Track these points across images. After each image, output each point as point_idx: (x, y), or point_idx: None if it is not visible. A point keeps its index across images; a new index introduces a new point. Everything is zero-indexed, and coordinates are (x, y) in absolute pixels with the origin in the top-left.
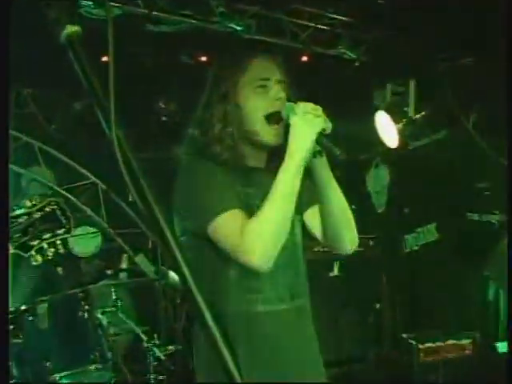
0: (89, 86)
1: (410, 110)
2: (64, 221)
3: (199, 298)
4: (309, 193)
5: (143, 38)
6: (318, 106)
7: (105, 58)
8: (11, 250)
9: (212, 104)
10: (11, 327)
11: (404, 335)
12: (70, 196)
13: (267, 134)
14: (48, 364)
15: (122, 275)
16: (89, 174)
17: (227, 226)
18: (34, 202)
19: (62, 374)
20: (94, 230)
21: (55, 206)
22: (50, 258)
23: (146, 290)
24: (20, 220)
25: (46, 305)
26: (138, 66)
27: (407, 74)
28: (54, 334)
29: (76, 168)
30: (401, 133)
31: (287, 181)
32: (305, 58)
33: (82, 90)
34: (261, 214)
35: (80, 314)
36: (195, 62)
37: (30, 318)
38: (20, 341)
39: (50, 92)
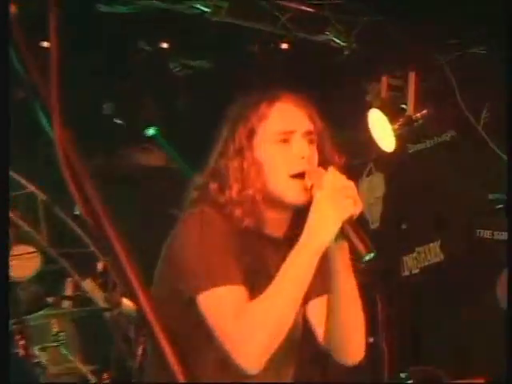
0: (26, 77)
1: (409, 108)
2: None
3: (159, 331)
4: (319, 280)
5: (92, 20)
6: (351, 184)
7: (45, 44)
8: None
9: (227, 157)
10: None
11: (402, 375)
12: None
13: (292, 192)
14: None
15: (66, 304)
16: (25, 183)
17: (223, 302)
18: None
19: None
20: (32, 249)
21: None
22: None
23: (94, 320)
24: None
25: None
26: (85, 54)
27: (406, 65)
28: None
29: (10, 175)
30: (398, 134)
31: (300, 266)
32: (285, 46)
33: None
34: (264, 301)
35: (14, 350)
36: (154, 49)
37: None
38: None
39: None
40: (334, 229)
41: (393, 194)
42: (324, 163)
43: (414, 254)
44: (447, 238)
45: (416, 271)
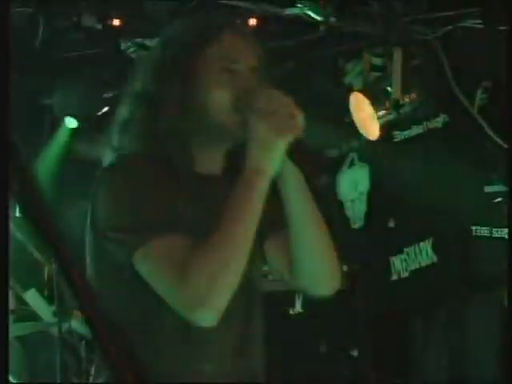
0: None
1: (395, 90)
2: None
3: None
4: (272, 214)
5: None
6: (290, 100)
7: None
8: None
9: (162, 78)
10: None
11: None
12: None
13: (233, 124)
14: None
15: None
16: None
17: (162, 256)
18: None
19: None
20: None
21: None
22: None
23: (39, 338)
24: None
25: None
26: (22, 31)
27: (390, 41)
28: None
29: None
30: (383, 120)
31: (245, 202)
32: (253, 22)
33: None
34: (210, 243)
35: None
36: (104, 27)
37: None
38: None
39: None
40: (276, 154)
41: (378, 187)
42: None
43: (403, 256)
44: (440, 236)
45: (405, 275)
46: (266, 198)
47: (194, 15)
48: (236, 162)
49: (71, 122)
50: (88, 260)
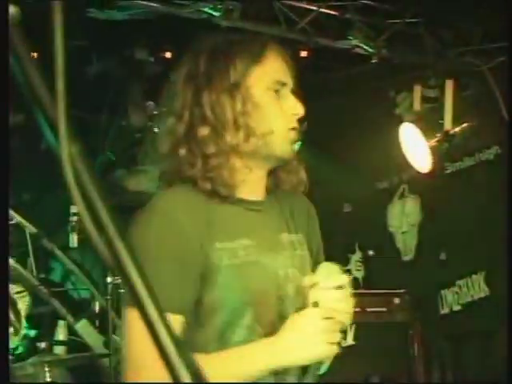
0: (29, 90)
1: (447, 122)
2: None
3: (176, 360)
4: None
5: (86, 27)
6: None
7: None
8: None
9: (215, 92)
10: None
11: None
12: None
13: (287, 145)
14: None
15: (59, 349)
16: (11, 212)
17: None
18: None
19: None
20: (20, 288)
21: None
22: None
23: (91, 368)
24: None
25: None
26: (79, 65)
27: (442, 72)
28: None
29: None
30: (435, 152)
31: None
32: (304, 53)
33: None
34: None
35: None
36: (156, 60)
37: None
38: None
39: None
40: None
41: (429, 219)
42: None
43: (455, 288)
44: (492, 269)
45: (457, 308)
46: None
47: (233, 34)
48: (274, 184)
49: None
50: None
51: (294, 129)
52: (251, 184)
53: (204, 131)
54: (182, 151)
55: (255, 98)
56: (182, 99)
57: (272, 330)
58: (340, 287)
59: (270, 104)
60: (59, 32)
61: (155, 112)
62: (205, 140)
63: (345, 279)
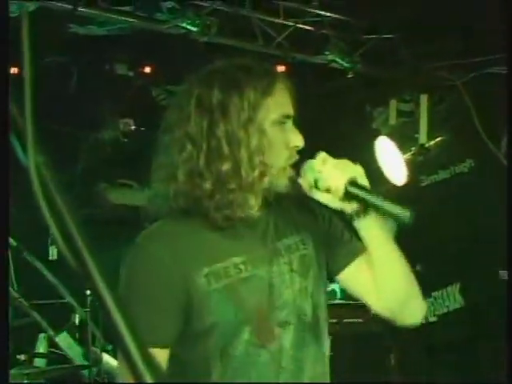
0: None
1: (422, 135)
2: None
3: None
4: (341, 245)
5: (66, 42)
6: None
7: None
8: None
9: (229, 131)
10: None
11: None
12: None
13: (285, 180)
14: None
15: (39, 362)
16: None
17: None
18: None
19: None
20: None
21: None
22: None
23: (71, 380)
24: None
25: None
26: (58, 79)
27: (417, 87)
28: None
29: None
30: (410, 165)
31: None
32: (281, 68)
33: None
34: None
35: None
36: (135, 75)
37: None
38: None
39: None
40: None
41: (405, 232)
42: None
43: (430, 300)
44: (467, 280)
45: (433, 319)
46: (324, 229)
47: (241, 59)
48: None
49: None
50: None
51: (293, 163)
52: (248, 204)
53: (225, 166)
54: (207, 185)
55: (267, 133)
56: (198, 127)
57: (271, 338)
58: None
59: (277, 138)
60: (26, 44)
61: (132, 128)
62: (226, 176)
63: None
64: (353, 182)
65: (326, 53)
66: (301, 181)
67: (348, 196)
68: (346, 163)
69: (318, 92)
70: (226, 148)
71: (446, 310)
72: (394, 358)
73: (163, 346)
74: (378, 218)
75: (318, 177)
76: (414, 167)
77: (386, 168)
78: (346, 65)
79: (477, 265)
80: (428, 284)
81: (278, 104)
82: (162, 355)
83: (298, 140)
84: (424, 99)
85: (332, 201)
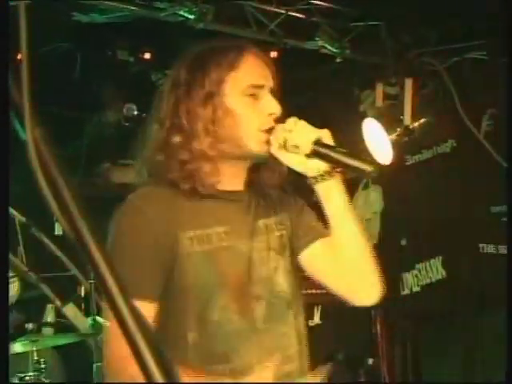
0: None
1: (406, 117)
2: None
3: (148, 357)
4: (306, 224)
5: (70, 29)
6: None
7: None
8: None
9: (191, 103)
10: None
11: None
12: None
13: (261, 145)
14: None
15: (47, 330)
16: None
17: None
18: None
19: None
20: (11, 274)
21: None
22: None
23: (77, 348)
24: None
25: None
26: (62, 65)
27: (402, 72)
28: None
29: None
30: (395, 145)
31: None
32: (274, 54)
33: None
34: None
35: None
36: (136, 60)
37: None
38: None
39: None
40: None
41: (391, 208)
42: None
43: (415, 272)
44: (449, 253)
45: (417, 289)
46: (297, 212)
47: (214, 41)
48: (257, 177)
49: None
50: None
51: (270, 129)
52: (231, 178)
53: (177, 138)
54: (160, 157)
55: (228, 104)
56: (166, 108)
57: (247, 309)
58: None
59: (243, 109)
60: (24, 28)
61: (134, 113)
62: (178, 147)
63: None
64: (319, 141)
65: (316, 39)
66: (272, 140)
67: (314, 154)
68: (313, 127)
69: (308, 76)
70: (184, 122)
71: (429, 281)
72: (379, 325)
73: (150, 301)
74: (339, 184)
75: (287, 136)
76: (399, 147)
77: (373, 148)
78: (335, 50)
79: (458, 239)
80: (412, 257)
81: (246, 76)
82: (148, 309)
83: (272, 107)
84: (409, 83)
85: (297, 163)
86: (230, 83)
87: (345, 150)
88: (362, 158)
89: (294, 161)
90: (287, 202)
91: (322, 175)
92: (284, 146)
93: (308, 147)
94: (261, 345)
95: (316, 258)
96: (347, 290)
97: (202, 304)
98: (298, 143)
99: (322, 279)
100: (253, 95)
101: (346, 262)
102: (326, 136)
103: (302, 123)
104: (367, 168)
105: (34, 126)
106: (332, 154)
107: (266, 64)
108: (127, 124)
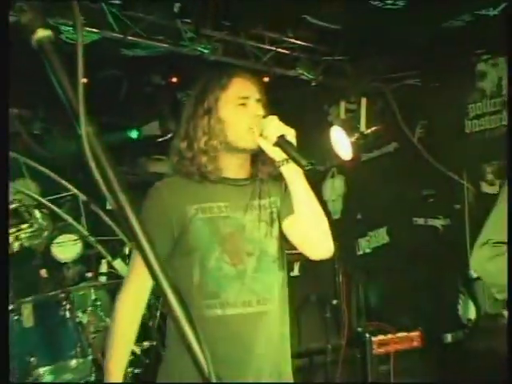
0: (60, 88)
1: (362, 126)
2: (27, 217)
3: (171, 298)
4: (287, 202)
5: (119, 60)
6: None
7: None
8: None
9: (196, 118)
10: None
11: (359, 329)
12: (52, 206)
13: (248, 140)
14: (32, 359)
15: (102, 278)
16: (70, 187)
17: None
18: None
19: (46, 369)
20: (76, 237)
21: (18, 204)
22: (15, 251)
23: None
24: None
25: (30, 305)
26: (113, 86)
27: (359, 93)
28: (38, 332)
29: (58, 181)
30: (354, 146)
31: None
32: (266, 79)
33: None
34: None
35: (62, 313)
36: (166, 83)
37: (16, 318)
38: None
39: (33, 112)
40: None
41: (350, 192)
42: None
43: (367, 238)
44: (392, 224)
45: (368, 250)
46: (283, 195)
47: (210, 71)
48: (256, 168)
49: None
50: None
51: (253, 126)
52: (235, 168)
53: (185, 144)
54: (176, 158)
55: (220, 115)
56: (183, 119)
57: (238, 261)
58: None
59: (234, 116)
60: (80, 53)
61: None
62: (185, 149)
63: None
64: (283, 136)
65: (297, 68)
66: (255, 130)
67: (276, 144)
68: (285, 125)
69: (291, 95)
70: (190, 132)
71: (377, 245)
72: (341, 276)
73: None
74: (297, 168)
75: (264, 128)
76: (356, 147)
77: (337, 148)
78: (310, 77)
79: (398, 214)
80: (366, 226)
81: (236, 92)
82: None
83: (257, 111)
84: (363, 101)
85: (268, 149)
86: (222, 100)
87: (294, 147)
88: (302, 155)
89: (267, 148)
90: (278, 187)
91: (283, 161)
92: (261, 135)
93: (273, 139)
94: (247, 287)
95: (289, 226)
96: (307, 248)
97: (202, 255)
98: (268, 135)
99: (293, 240)
100: (242, 104)
101: (305, 227)
102: (290, 134)
103: (276, 121)
104: (303, 162)
105: (88, 124)
106: (285, 146)
107: (250, 82)
108: (159, 129)
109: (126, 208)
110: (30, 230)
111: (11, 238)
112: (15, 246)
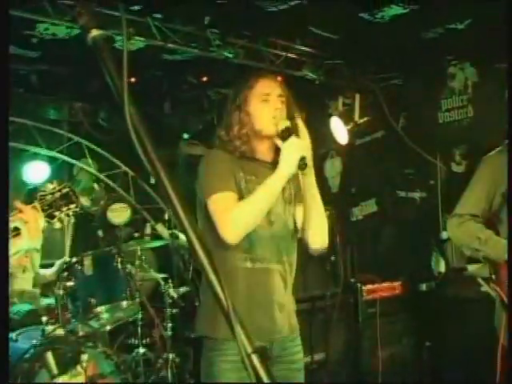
0: (109, 78)
1: (356, 116)
2: (74, 199)
3: (200, 254)
4: (300, 192)
5: (160, 64)
6: (307, 140)
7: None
8: (43, 219)
9: (231, 113)
10: (65, 274)
11: (352, 279)
12: (108, 180)
13: (272, 127)
14: (92, 300)
15: (146, 238)
16: (122, 165)
17: (218, 203)
18: (54, 186)
19: (103, 308)
20: (125, 205)
21: (68, 189)
22: (64, 224)
23: (163, 248)
24: (47, 197)
25: (90, 257)
26: (155, 84)
27: (354, 90)
28: (97, 279)
29: (112, 160)
30: (349, 133)
31: (271, 187)
32: (279, 78)
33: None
34: (244, 205)
35: (115, 264)
36: (198, 82)
37: (79, 267)
38: (72, 283)
39: (93, 104)
40: (294, 165)
41: (346, 170)
42: (290, 115)
43: (359, 207)
44: (379, 196)
45: (360, 217)
46: (298, 181)
47: (245, 74)
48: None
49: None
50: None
51: (274, 117)
52: (262, 150)
53: (222, 132)
54: (222, 139)
55: (248, 109)
56: (226, 112)
57: (267, 227)
58: None
59: (259, 109)
60: (125, 60)
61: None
62: (222, 136)
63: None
64: (303, 159)
65: (304, 70)
66: (276, 120)
67: (299, 168)
68: (302, 144)
69: (298, 92)
70: (228, 123)
71: (368, 212)
72: (339, 237)
73: (234, 192)
74: (312, 179)
75: (284, 153)
76: (351, 134)
77: (336, 134)
78: (315, 77)
79: (384, 187)
80: (358, 198)
81: (260, 90)
82: (233, 196)
83: (276, 104)
84: (357, 97)
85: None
86: (249, 97)
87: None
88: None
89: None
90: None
91: (303, 173)
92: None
93: (295, 163)
94: (271, 248)
95: (299, 214)
96: (309, 235)
97: None
98: (291, 159)
99: (299, 227)
100: (265, 100)
101: (311, 221)
102: (308, 155)
103: (296, 144)
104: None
105: (131, 107)
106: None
107: (272, 80)
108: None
109: (164, 180)
110: (76, 209)
111: (62, 215)
112: (65, 220)
